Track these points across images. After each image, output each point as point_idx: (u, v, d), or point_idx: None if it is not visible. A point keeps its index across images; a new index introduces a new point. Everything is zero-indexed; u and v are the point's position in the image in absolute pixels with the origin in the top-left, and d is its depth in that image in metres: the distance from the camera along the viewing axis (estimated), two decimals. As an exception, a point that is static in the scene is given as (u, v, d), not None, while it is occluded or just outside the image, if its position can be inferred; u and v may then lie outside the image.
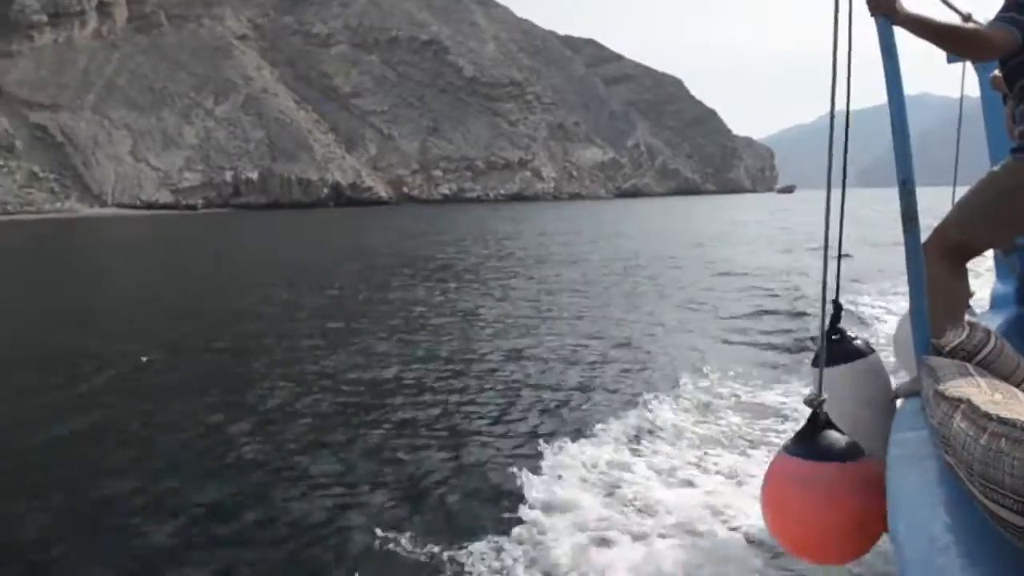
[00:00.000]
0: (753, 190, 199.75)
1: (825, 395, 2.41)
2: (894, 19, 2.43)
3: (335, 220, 60.10)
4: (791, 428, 5.39)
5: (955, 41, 2.57)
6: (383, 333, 10.10)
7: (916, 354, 2.53)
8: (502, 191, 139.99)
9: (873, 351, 2.89)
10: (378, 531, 4.05)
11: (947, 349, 2.31)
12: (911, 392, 2.57)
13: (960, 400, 1.55)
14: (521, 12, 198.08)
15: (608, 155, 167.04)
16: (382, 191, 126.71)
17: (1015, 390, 1.85)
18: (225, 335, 10.35)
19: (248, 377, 7.82)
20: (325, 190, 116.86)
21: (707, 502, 4.31)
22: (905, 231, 2.49)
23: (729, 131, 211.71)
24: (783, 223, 37.95)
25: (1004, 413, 1.28)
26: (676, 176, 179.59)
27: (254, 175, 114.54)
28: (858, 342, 2.90)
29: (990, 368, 2.16)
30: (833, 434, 2.32)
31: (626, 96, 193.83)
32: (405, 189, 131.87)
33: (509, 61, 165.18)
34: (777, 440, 5.28)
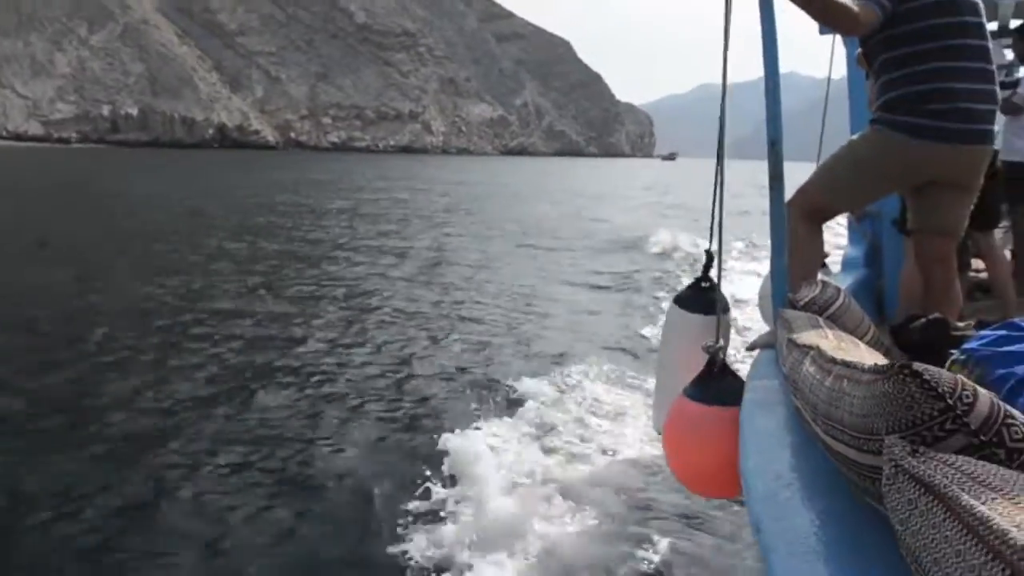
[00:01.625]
0: (632, 155, 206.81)
1: (722, 342, 2.58)
2: None
3: (225, 163, 57.89)
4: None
5: (826, 12, 2.67)
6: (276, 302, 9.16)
7: (773, 307, 2.72)
8: (391, 142, 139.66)
9: (727, 309, 3.02)
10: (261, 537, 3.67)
11: (801, 303, 2.48)
12: (767, 344, 2.76)
13: (809, 347, 1.64)
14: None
15: (497, 112, 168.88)
16: (269, 135, 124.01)
17: (858, 341, 2.03)
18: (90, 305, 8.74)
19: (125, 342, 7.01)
20: (210, 131, 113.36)
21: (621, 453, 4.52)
22: (771, 189, 2.63)
23: (613, 96, 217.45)
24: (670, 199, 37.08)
25: (847, 358, 1.38)
26: (562, 137, 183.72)
27: (134, 111, 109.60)
28: (720, 298, 3.04)
29: (838, 322, 2.33)
30: (727, 380, 2.48)
31: (516, 55, 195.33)
32: (293, 135, 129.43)
33: (402, 10, 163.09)
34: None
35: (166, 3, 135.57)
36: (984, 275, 4.24)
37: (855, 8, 2.61)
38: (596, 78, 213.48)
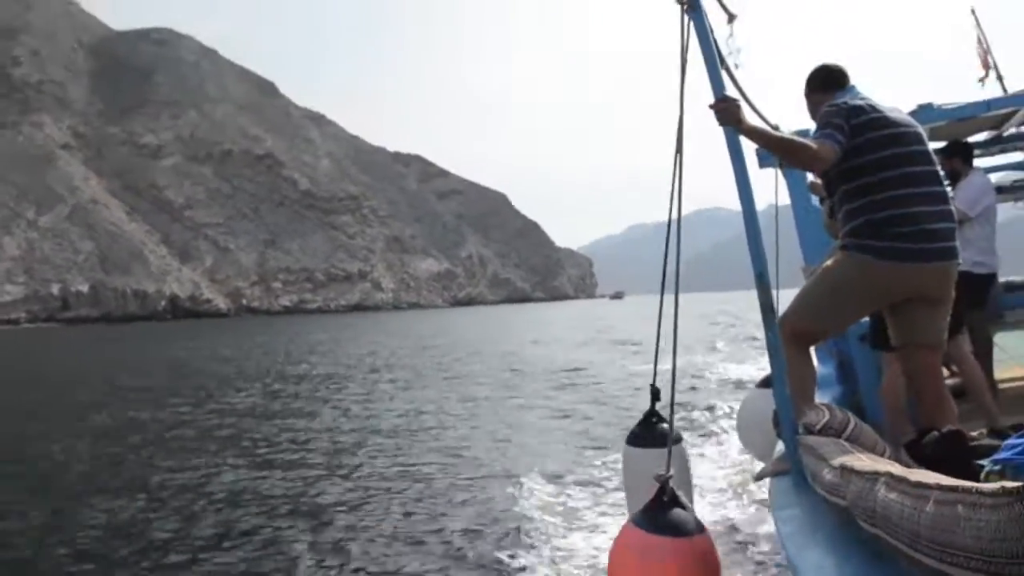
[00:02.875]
0: (576, 297, 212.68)
1: (672, 472, 2.61)
2: (740, 130, 2.74)
3: (176, 332, 57.65)
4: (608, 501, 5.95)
5: (792, 152, 2.87)
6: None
7: (785, 434, 2.77)
8: (342, 302, 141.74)
9: (680, 439, 3.17)
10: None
11: (817, 428, 2.58)
12: (779, 472, 2.84)
13: (876, 473, 1.66)
14: (351, 129, 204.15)
15: (443, 265, 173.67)
16: (221, 303, 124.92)
17: (892, 461, 2.16)
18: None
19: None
20: (163, 302, 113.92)
21: None
22: (765, 323, 2.76)
23: (552, 242, 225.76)
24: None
25: (941, 481, 1.38)
26: (507, 285, 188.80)
27: (84, 287, 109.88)
28: (662, 430, 3.17)
29: (857, 443, 2.42)
30: (677, 511, 2.49)
31: (456, 209, 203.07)
32: (244, 301, 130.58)
33: (343, 176, 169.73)
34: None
35: (115, 183, 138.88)
36: (957, 380, 4.20)
37: (814, 146, 2.85)
38: (534, 226, 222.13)
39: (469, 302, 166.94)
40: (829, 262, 3.20)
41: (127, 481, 7.64)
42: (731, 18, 2.96)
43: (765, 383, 4.14)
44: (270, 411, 12.59)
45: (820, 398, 3.83)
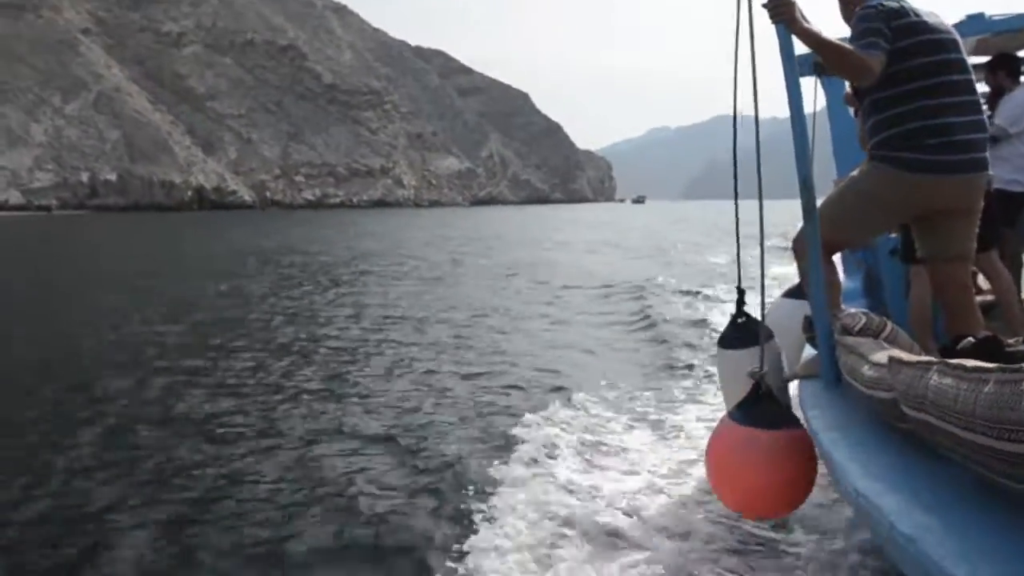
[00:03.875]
0: (595, 199, 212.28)
1: (766, 368, 2.71)
2: (792, 28, 2.72)
3: (209, 223, 58.08)
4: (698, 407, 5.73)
5: (843, 61, 2.79)
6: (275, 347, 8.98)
7: (820, 337, 2.84)
8: (364, 197, 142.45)
9: (772, 336, 3.18)
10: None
11: (856, 329, 2.63)
12: (809, 373, 2.97)
13: (929, 362, 1.72)
14: (373, 21, 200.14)
15: (464, 164, 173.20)
16: (246, 195, 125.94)
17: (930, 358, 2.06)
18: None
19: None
20: (189, 193, 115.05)
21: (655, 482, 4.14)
22: (805, 223, 2.82)
23: (572, 144, 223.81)
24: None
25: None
26: (527, 186, 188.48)
27: (112, 176, 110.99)
28: (761, 330, 3.10)
29: (894, 344, 2.50)
30: (771, 404, 2.62)
31: (477, 108, 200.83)
32: (268, 194, 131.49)
33: (366, 69, 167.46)
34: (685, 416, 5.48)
35: (137, 71, 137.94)
36: (986, 297, 4.08)
37: (868, 58, 2.77)
38: (556, 127, 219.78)
39: (489, 201, 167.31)
40: (855, 172, 3.18)
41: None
42: None
43: (791, 293, 4.09)
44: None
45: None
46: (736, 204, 2.96)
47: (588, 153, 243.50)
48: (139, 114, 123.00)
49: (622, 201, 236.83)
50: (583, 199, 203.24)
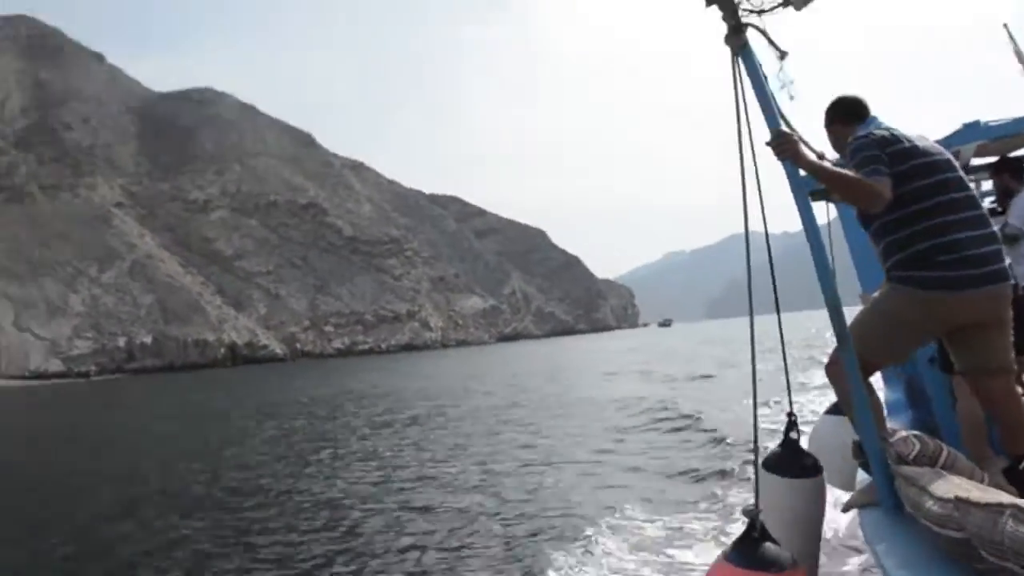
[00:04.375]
0: (619, 327, 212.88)
1: (761, 507, 2.62)
2: (799, 164, 2.77)
3: (244, 379, 58.32)
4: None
5: (855, 189, 2.85)
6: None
7: (875, 466, 2.75)
8: (392, 342, 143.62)
9: (821, 469, 3.16)
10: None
11: (911, 457, 2.57)
12: (866, 503, 2.89)
13: (1001, 505, 1.66)
14: (387, 173, 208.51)
15: (488, 303, 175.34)
16: (277, 348, 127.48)
17: (999, 490, 2.16)
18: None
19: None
20: (222, 350, 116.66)
21: None
22: (841, 350, 2.80)
23: (592, 275, 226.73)
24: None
25: None
26: (552, 319, 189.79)
27: (148, 339, 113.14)
28: (807, 460, 3.16)
29: (952, 471, 2.43)
30: (768, 544, 2.52)
31: (495, 247, 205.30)
32: (298, 345, 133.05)
33: (385, 220, 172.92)
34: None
35: (167, 238, 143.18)
36: None
37: (877, 185, 2.82)
38: (575, 260, 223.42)
39: (515, 337, 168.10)
40: (877, 293, 3.20)
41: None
42: (782, 56, 2.91)
43: (834, 410, 4.09)
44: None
45: (892, 424, 3.69)
46: (779, 319, 3.12)
47: (608, 282, 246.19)
48: (171, 278, 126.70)
49: (646, 326, 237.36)
50: (607, 327, 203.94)
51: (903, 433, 2.83)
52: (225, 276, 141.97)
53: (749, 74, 2.76)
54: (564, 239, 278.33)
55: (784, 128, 2.80)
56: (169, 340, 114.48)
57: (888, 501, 2.70)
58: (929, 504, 2.15)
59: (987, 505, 1.68)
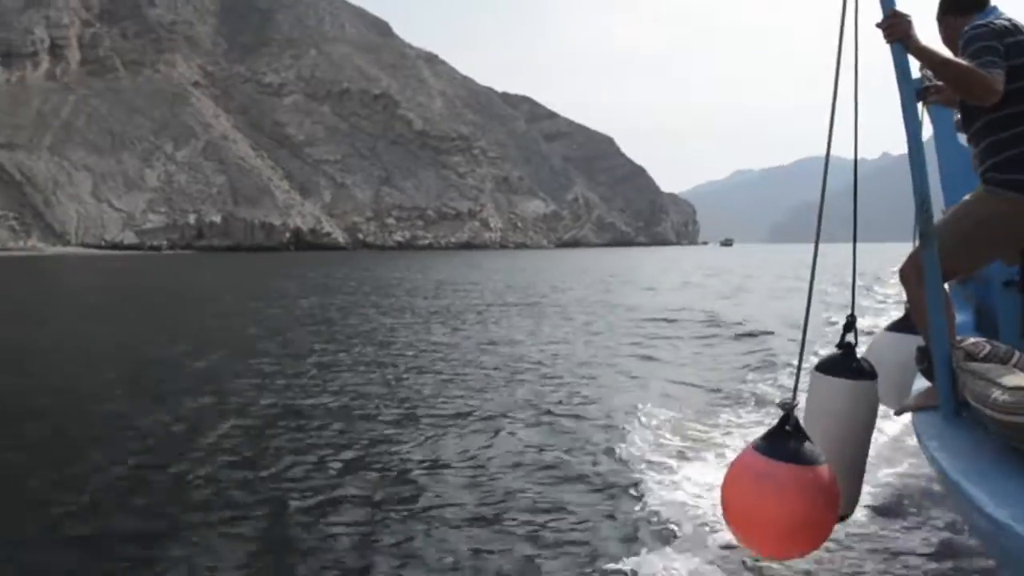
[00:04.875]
0: (678, 243, 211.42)
1: (798, 400, 2.58)
2: (908, 46, 2.59)
3: (311, 264, 58.63)
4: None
5: (967, 78, 2.65)
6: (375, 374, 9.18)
7: (939, 364, 2.65)
8: (452, 239, 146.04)
9: (875, 375, 3.03)
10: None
11: (981, 355, 2.49)
12: (924, 405, 2.79)
13: None
14: (462, 69, 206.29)
15: (550, 208, 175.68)
16: (340, 237, 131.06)
17: None
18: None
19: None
20: (287, 234, 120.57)
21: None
22: (923, 248, 2.67)
23: (657, 187, 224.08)
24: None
25: None
26: (612, 229, 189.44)
27: (217, 218, 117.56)
28: (864, 363, 3.04)
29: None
30: (799, 437, 2.49)
31: (562, 152, 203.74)
32: (360, 235, 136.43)
33: (455, 116, 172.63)
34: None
35: (240, 120, 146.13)
36: None
37: (991, 76, 2.65)
38: (640, 171, 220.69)
39: (574, 244, 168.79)
40: (968, 196, 3.05)
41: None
42: None
43: (895, 326, 4.00)
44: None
45: None
46: (855, 229, 3.09)
47: (672, 196, 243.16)
48: (243, 160, 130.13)
49: (705, 244, 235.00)
50: (666, 242, 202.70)
51: (972, 339, 2.75)
52: (294, 161, 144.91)
53: None
54: (632, 149, 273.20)
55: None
56: (237, 220, 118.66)
57: (948, 404, 2.63)
58: (996, 394, 2.12)
59: None
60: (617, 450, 5.50)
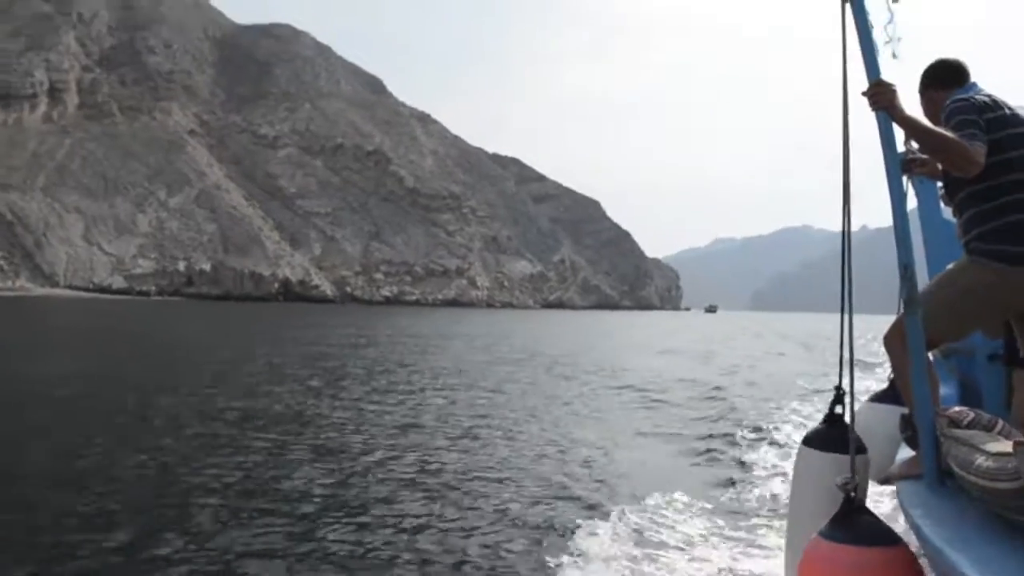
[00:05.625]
0: (662, 307, 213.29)
1: (857, 478, 2.45)
2: (893, 116, 2.64)
3: (296, 315, 58.74)
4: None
5: (950, 149, 2.70)
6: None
7: (923, 432, 2.63)
8: (439, 296, 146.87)
9: (866, 449, 2.90)
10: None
11: (966, 422, 2.47)
12: (908, 475, 2.76)
13: None
14: (453, 128, 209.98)
15: (536, 268, 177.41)
16: (328, 290, 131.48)
17: None
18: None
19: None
20: (276, 285, 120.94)
21: None
22: (907, 314, 2.64)
23: (642, 251, 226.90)
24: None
25: None
26: (597, 291, 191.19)
27: (207, 266, 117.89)
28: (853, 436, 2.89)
29: (1009, 439, 2.27)
30: (869, 518, 2.37)
31: (550, 213, 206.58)
32: (348, 289, 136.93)
33: (446, 175, 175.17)
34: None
35: (234, 170, 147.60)
36: None
37: (972, 148, 2.70)
38: (625, 235, 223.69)
39: (559, 305, 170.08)
40: (952, 266, 3.11)
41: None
42: None
43: (879, 397, 3.95)
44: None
45: None
46: (842, 309, 2.80)
47: (656, 261, 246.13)
48: (235, 209, 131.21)
49: (687, 310, 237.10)
50: (650, 306, 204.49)
51: (957, 408, 2.75)
52: (285, 213, 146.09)
53: (856, 17, 2.66)
54: (617, 213, 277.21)
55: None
56: (227, 269, 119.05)
57: (932, 473, 2.62)
58: (980, 460, 2.12)
59: None
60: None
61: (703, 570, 4.32)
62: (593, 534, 4.88)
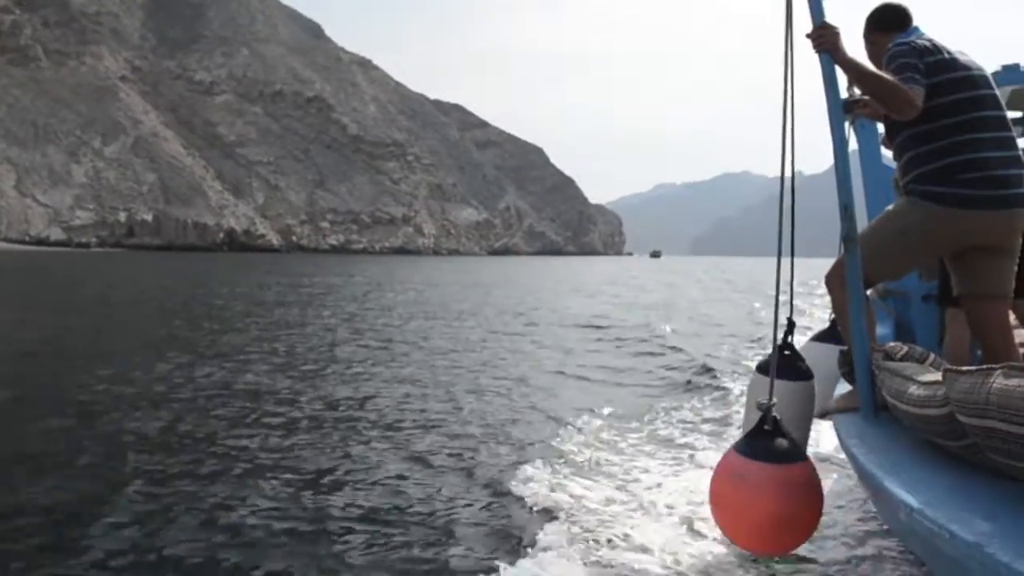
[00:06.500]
0: (605, 253, 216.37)
1: (775, 400, 2.62)
2: (836, 58, 2.68)
3: (246, 264, 57.86)
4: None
5: (889, 91, 2.75)
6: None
7: (859, 367, 2.75)
8: (386, 244, 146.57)
9: (812, 376, 3.13)
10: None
11: (899, 355, 2.58)
12: (846, 408, 2.90)
13: (990, 368, 1.64)
14: (395, 75, 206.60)
15: (482, 216, 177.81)
16: (274, 239, 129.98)
17: None
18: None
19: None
20: (220, 235, 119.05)
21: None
22: (846, 252, 2.74)
23: (585, 198, 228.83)
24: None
25: None
26: (542, 238, 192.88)
27: (148, 217, 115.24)
28: (802, 364, 3.14)
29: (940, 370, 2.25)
30: (779, 438, 2.53)
31: (494, 161, 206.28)
32: (294, 238, 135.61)
33: (389, 122, 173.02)
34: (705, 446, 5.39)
35: (170, 117, 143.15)
36: None
37: (911, 91, 2.75)
38: (569, 181, 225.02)
39: (505, 252, 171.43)
40: (890, 207, 3.17)
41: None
42: None
43: (820, 336, 4.00)
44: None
45: None
46: (790, 231, 2.81)
47: (600, 207, 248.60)
48: (174, 158, 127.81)
49: (630, 255, 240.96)
50: (594, 252, 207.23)
51: (892, 342, 2.89)
52: (226, 162, 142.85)
53: None
54: (560, 159, 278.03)
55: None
56: (169, 220, 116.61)
57: (868, 406, 2.73)
58: (912, 388, 2.20)
59: (977, 370, 1.70)
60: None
61: (642, 481, 4.52)
62: (536, 466, 4.84)
